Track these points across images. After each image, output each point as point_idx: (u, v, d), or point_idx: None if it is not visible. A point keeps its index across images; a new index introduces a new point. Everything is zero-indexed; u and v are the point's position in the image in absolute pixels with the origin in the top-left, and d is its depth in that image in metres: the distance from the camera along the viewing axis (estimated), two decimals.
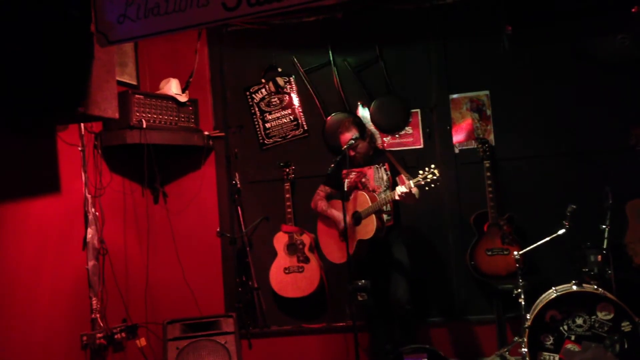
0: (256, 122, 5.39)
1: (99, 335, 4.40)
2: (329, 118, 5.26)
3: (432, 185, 4.04)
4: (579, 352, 3.87)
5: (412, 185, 4.06)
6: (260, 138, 5.39)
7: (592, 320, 3.88)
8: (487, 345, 4.88)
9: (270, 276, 5.10)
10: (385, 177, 4.49)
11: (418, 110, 5.20)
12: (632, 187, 4.60)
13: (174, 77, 5.08)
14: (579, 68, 4.94)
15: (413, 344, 4.17)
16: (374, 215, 4.31)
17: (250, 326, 4.95)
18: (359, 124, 4.64)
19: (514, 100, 5.05)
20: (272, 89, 5.37)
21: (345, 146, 4.35)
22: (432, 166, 4.07)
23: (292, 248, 5.08)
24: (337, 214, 4.48)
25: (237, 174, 5.20)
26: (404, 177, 4.29)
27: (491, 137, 5.06)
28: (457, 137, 5.12)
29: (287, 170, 5.15)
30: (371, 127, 5.12)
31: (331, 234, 4.62)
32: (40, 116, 3.57)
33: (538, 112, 5.01)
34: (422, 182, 4.04)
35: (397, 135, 5.22)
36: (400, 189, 4.09)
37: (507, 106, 5.07)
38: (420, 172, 4.07)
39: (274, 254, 5.12)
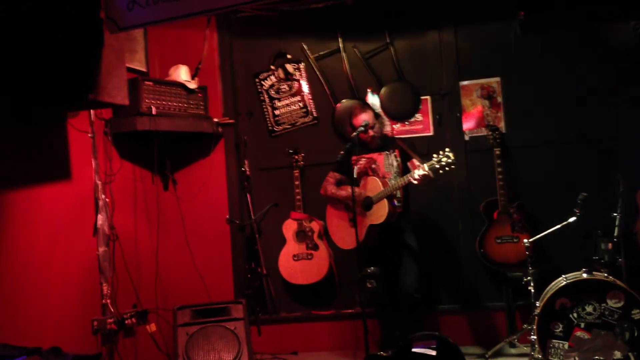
0: (265, 109, 5.39)
1: (109, 320, 4.43)
2: (338, 105, 5.24)
3: (447, 169, 4.03)
4: (589, 340, 3.87)
5: (427, 169, 4.05)
6: (270, 125, 5.38)
7: (602, 308, 3.87)
8: (496, 333, 4.89)
9: (279, 263, 5.12)
10: (395, 164, 4.48)
11: (428, 97, 5.17)
12: None
13: (183, 63, 5.08)
14: (590, 55, 4.89)
15: (420, 331, 4.18)
16: (385, 200, 4.31)
17: (260, 312, 4.96)
18: (369, 106, 4.64)
19: (524, 87, 5.02)
20: (282, 75, 5.35)
21: (357, 129, 4.32)
22: (447, 149, 4.07)
23: (301, 235, 5.09)
24: (347, 192, 4.47)
25: (246, 161, 5.20)
26: (415, 162, 4.27)
27: (501, 125, 5.03)
28: (468, 124, 5.10)
29: (297, 157, 5.15)
30: (380, 114, 5.09)
31: (341, 220, 4.61)
32: (50, 103, 3.57)
33: (549, 99, 4.98)
34: (437, 166, 4.04)
35: (406, 123, 5.20)
36: (418, 172, 4.08)
37: (518, 93, 5.03)
38: (435, 155, 4.07)
39: (283, 241, 5.13)
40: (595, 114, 4.88)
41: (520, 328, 4.60)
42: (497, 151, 4.78)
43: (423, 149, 4.83)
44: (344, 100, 5.23)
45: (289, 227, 5.13)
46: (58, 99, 3.39)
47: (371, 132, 4.47)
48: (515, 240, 4.69)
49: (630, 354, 3.78)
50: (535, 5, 4.85)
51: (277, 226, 5.18)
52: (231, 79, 5.40)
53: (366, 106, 4.59)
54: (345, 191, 4.51)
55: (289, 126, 5.37)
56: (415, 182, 4.13)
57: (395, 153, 4.50)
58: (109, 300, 4.49)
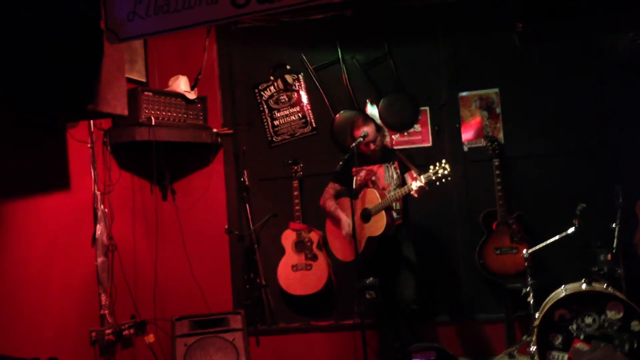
0: (265, 120, 5.39)
1: (107, 331, 4.42)
2: (337, 115, 5.25)
3: (443, 180, 4.04)
4: (588, 352, 3.86)
5: (423, 181, 4.06)
6: (269, 135, 5.39)
7: (602, 319, 3.86)
8: (495, 344, 4.87)
9: (278, 274, 5.11)
10: (395, 176, 4.48)
11: (427, 108, 5.18)
12: None
13: (183, 74, 5.09)
14: (589, 65, 4.90)
15: (418, 342, 4.17)
16: (383, 212, 4.31)
17: (258, 323, 4.95)
18: (371, 118, 4.65)
19: (523, 98, 5.03)
20: (281, 86, 5.37)
21: (356, 141, 4.33)
22: (443, 161, 4.07)
23: (300, 245, 5.08)
24: (345, 218, 4.47)
25: (245, 172, 5.20)
26: (413, 173, 4.28)
27: (500, 135, 5.04)
28: (466, 135, 5.11)
29: (296, 167, 5.14)
30: (381, 126, 5.10)
31: (340, 232, 4.61)
32: (50, 113, 3.58)
33: (548, 110, 4.99)
34: (433, 177, 4.05)
35: (405, 133, 5.21)
36: (416, 184, 4.09)
37: (517, 104, 5.04)
38: (431, 167, 4.08)
39: (282, 252, 5.12)
40: (594, 124, 4.89)
41: (519, 339, 4.58)
42: (496, 162, 4.79)
43: (422, 160, 4.83)
44: (343, 111, 5.24)
45: (288, 238, 5.12)
46: (57, 109, 3.39)
47: (372, 146, 4.47)
48: (514, 250, 4.69)
49: None
50: (534, 17, 4.87)
51: (276, 236, 5.17)
52: (230, 90, 5.41)
53: (368, 118, 4.59)
54: (343, 213, 4.49)
55: (288, 136, 5.37)
56: (414, 194, 4.14)
57: (394, 165, 4.51)
58: (107, 311, 4.47)
